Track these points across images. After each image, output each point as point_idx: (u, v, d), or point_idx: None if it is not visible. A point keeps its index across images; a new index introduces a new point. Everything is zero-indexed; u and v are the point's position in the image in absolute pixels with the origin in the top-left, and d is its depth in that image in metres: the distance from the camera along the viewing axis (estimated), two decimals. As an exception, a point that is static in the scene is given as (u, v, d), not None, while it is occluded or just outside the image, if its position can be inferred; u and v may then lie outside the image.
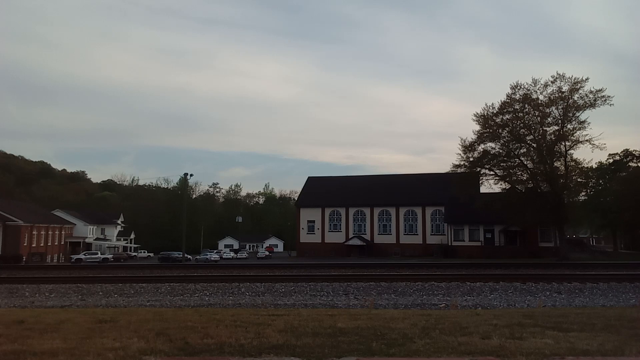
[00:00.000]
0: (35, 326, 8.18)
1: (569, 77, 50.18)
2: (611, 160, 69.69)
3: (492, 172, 55.32)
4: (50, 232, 69.85)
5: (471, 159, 54.75)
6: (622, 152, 69.41)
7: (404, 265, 35.05)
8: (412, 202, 73.65)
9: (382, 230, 75.18)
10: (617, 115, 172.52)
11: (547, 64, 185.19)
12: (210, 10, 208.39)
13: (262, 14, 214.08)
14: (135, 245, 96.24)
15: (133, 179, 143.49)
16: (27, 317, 9.42)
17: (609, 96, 49.22)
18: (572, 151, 51.76)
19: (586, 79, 50.01)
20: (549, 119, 52.04)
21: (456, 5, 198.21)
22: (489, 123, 53.39)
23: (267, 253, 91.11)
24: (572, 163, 51.88)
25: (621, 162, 68.89)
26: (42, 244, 66.43)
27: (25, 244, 60.97)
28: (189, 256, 70.66)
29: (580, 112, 50.63)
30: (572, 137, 50.85)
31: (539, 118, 52.35)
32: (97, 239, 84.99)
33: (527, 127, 53.11)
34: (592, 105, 49.74)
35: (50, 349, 6.01)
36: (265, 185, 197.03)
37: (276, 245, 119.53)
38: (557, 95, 50.68)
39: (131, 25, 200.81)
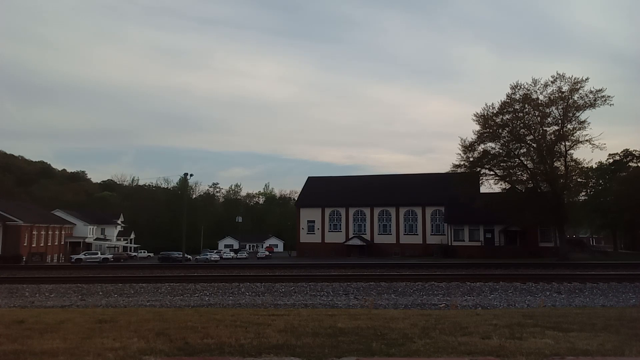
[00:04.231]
0: (35, 326, 8.17)
1: (569, 77, 50.27)
2: (611, 160, 69.75)
3: (492, 172, 55.38)
4: (50, 232, 69.84)
5: (471, 159, 54.77)
6: (622, 152, 69.53)
7: (404, 265, 35.05)
8: (412, 202, 73.64)
9: (382, 230, 75.17)
10: (617, 115, 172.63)
11: (546, 63, 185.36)
12: (208, 10, 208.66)
13: (260, 13, 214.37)
14: (135, 245, 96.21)
15: (133, 179, 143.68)
16: (27, 317, 9.42)
17: (609, 96, 49.29)
18: (572, 151, 51.86)
19: (586, 79, 50.11)
20: (549, 119, 52.06)
21: (455, 4, 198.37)
22: (489, 123, 53.40)
23: (267, 253, 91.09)
24: (572, 163, 51.91)
25: (621, 162, 68.91)
26: (42, 244, 66.42)
27: (25, 244, 60.96)
28: (189, 256, 70.65)
29: (580, 112, 50.70)
30: (572, 137, 50.89)
31: (539, 118, 52.35)
32: (97, 239, 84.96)
33: (527, 127, 53.11)
34: (592, 105, 49.76)
35: (50, 349, 6.01)
36: (265, 185, 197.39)
37: (276, 245, 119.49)
38: (557, 95, 50.69)
39: (130, 25, 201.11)
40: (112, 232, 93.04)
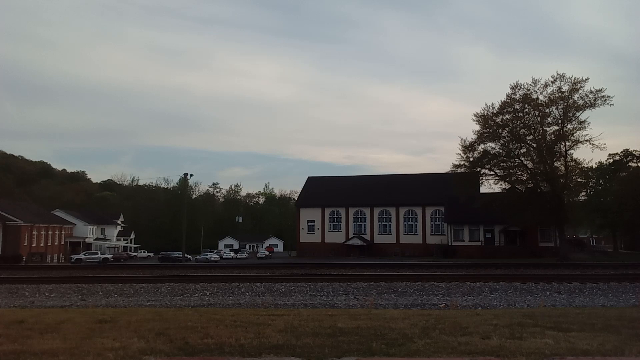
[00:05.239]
0: (35, 326, 8.17)
1: (569, 77, 50.27)
2: (611, 160, 69.75)
3: (492, 172, 55.36)
4: (50, 232, 69.84)
5: (471, 159, 54.76)
6: (622, 152, 69.54)
7: (404, 265, 35.04)
8: (412, 202, 73.65)
9: (382, 230, 75.18)
10: (617, 115, 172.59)
11: (546, 63, 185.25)
12: (207, 9, 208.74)
13: (259, 13, 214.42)
14: (135, 245, 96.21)
15: (133, 179, 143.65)
16: (27, 317, 9.42)
17: (609, 96, 49.28)
18: (572, 151, 51.86)
19: (586, 79, 50.14)
20: (549, 119, 52.05)
21: (454, 4, 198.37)
22: (489, 123, 53.39)
23: (267, 253, 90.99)
24: (572, 163, 51.90)
25: (621, 162, 68.90)
26: (42, 244, 66.43)
27: (25, 244, 60.97)
28: (189, 256, 70.64)
29: (580, 112, 50.68)
30: (572, 137, 50.88)
31: (539, 118, 52.34)
32: (97, 239, 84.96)
33: (527, 127, 53.10)
34: (592, 105, 49.75)
35: (50, 349, 6.01)
36: (265, 185, 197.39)
37: (276, 245, 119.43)
38: (557, 95, 50.69)
39: (129, 25, 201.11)
40: (112, 232, 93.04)
